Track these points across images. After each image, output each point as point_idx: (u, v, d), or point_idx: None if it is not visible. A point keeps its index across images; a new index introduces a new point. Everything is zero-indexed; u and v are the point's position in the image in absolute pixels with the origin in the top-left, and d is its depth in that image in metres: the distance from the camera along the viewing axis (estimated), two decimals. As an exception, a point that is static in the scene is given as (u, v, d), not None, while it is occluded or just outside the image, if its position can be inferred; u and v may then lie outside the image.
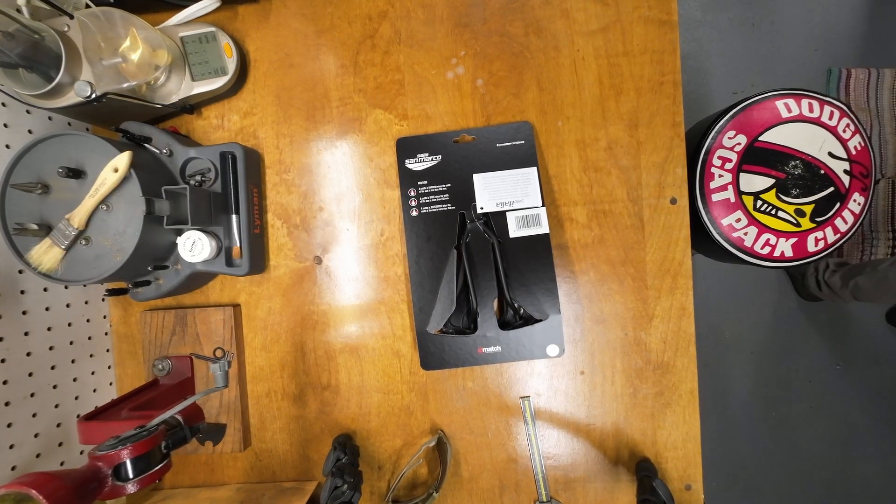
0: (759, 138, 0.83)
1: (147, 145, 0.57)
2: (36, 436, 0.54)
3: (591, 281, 0.62)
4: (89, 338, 0.63)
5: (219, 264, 0.59)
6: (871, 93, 1.51)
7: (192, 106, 0.63)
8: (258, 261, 0.62)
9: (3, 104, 0.53)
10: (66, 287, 0.60)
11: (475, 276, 0.59)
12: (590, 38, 0.61)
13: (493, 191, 0.60)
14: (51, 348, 0.57)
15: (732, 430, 1.52)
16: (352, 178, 0.64)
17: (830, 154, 0.82)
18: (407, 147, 0.62)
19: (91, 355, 0.63)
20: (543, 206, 0.60)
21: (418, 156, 0.61)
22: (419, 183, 0.61)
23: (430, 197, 0.60)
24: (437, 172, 0.61)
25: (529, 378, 0.63)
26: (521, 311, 0.59)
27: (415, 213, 0.60)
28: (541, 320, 0.57)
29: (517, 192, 0.60)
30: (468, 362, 0.59)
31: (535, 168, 0.60)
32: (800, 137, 0.82)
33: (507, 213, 0.59)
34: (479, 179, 0.60)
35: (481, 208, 0.60)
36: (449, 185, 0.61)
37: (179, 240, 0.56)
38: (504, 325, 0.59)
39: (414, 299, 0.60)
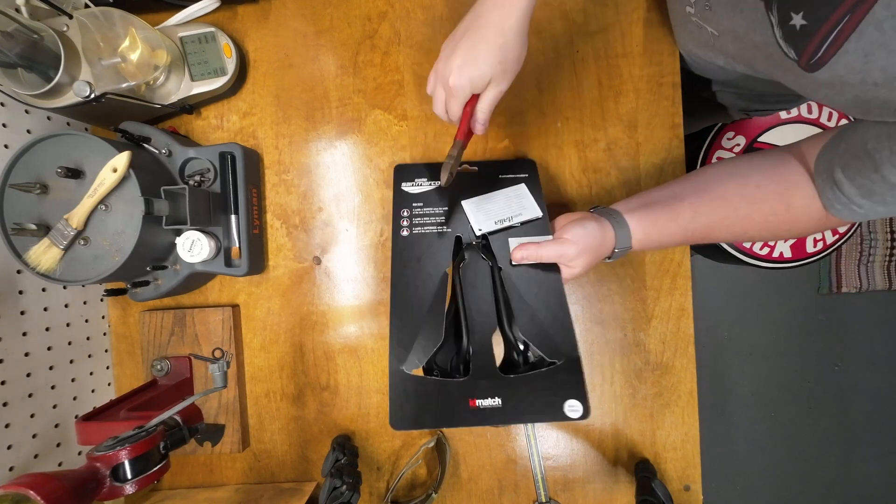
0: (758, 139, 0.83)
1: (146, 145, 0.57)
2: (34, 436, 0.54)
3: (590, 282, 0.62)
4: (88, 338, 0.63)
5: (218, 264, 0.59)
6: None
7: (191, 106, 0.63)
8: (257, 261, 0.62)
9: (2, 104, 0.53)
10: (64, 287, 0.59)
11: (469, 306, 0.48)
12: (589, 39, 0.61)
13: (486, 211, 0.54)
14: (49, 349, 0.57)
15: (731, 431, 1.52)
16: (351, 179, 0.64)
17: (829, 155, 0.82)
18: (405, 172, 0.59)
19: (89, 356, 0.63)
20: (545, 213, 0.54)
21: (416, 180, 0.58)
22: (414, 204, 0.56)
23: (425, 218, 0.55)
24: (434, 196, 0.56)
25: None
26: (529, 351, 0.47)
27: (405, 232, 0.53)
28: (554, 363, 0.44)
29: (512, 207, 0.54)
30: (455, 420, 0.42)
31: (523, 185, 0.56)
32: (799, 138, 0.83)
33: (510, 239, 0.51)
34: (468, 205, 0.54)
35: (479, 229, 0.52)
36: (446, 208, 0.55)
37: (178, 240, 0.56)
38: (507, 369, 0.46)
39: (392, 330, 0.47)
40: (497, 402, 0.42)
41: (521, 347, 0.47)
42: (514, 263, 0.48)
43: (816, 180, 0.43)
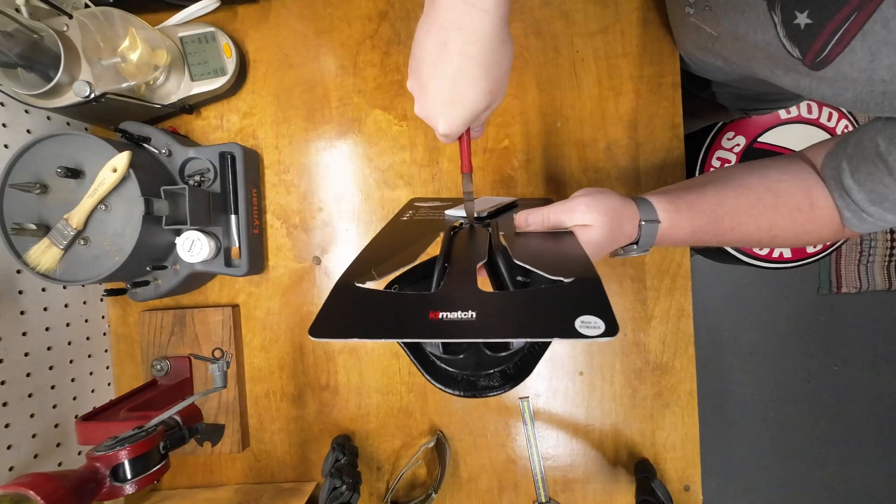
0: (759, 139, 0.83)
1: (146, 145, 0.57)
2: (34, 436, 0.54)
3: (591, 282, 0.62)
4: (87, 338, 0.63)
5: (217, 264, 0.59)
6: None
7: (191, 106, 0.63)
8: (257, 261, 0.62)
9: (2, 104, 0.53)
10: (64, 287, 0.59)
11: (455, 249, 0.38)
12: (589, 40, 0.61)
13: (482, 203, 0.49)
14: (49, 349, 0.57)
15: (731, 431, 1.52)
16: (351, 179, 0.64)
17: (829, 155, 0.83)
18: (420, 199, 0.56)
19: (89, 356, 0.63)
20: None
21: (428, 202, 0.54)
22: (420, 205, 0.53)
23: (428, 211, 0.50)
24: (443, 207, 0.51)
25: (528, 378, 0.62)
26: (530, 278, 0.37)
27: (405, 218, 0.49)
28: (560, 281, 0.31)
29: (495, 199, 0.52)
30: (402, 331, 0.28)
31: (513, 199, 0.52)
32: (799, 138, 0.83)
33: (514, 214, 0.44)
34: (452, 211, 0.48)
35: (482, 211, 0.47)
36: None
37: (178, 240, 0.56)
38: (499, 287, 0.37)
39: (358, 255, 0.37)
40: (469, 314, 0.28)
41: (520, 279, 0.36)
42: (517, 232, 0.41)
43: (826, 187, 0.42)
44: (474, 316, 0.28)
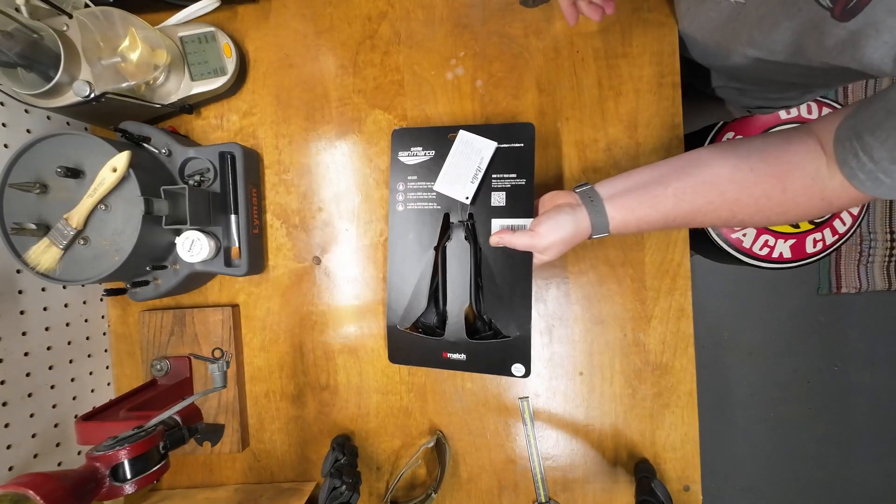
0: (758, 139, 0.83)
1: (146, 145, 0.57)
2: (33, 436, 0.54)
3: (590, 282, 0.62)
4: (87, 338, 0.63)
5: (217, 264, 0.59)
6: (870, 95, 1.52)
7: (191, 106, 0.63)
8: (257, 261, 0.62)
9: (2, 103, 0.53)
10: (64, 287, 0.59)
11: (449, 281, 0.58)
12: (589, 40, 0.61)
13: (456, 178, 0.56)
14: (49, 348, 0.57)
15: (731, 431, 1.52)
16: (351, 179, 0.64)
17: (829, 155, 0.82)
18: (402, 139, 0.59)
19: (89, 355, 0.63)
20: (531, 182, 0.55)
21: (412, 149, 0.58)
22: (409, 178, 0.58)
23: (418, 193, 0.58)
24: (427, 168, 0.58)
25: (528, 379, 0.63)
26: (490, 323, 0.57)
27: (401, 207, 0.58)
28: (507, 337, 0.55)
29: (471, 158, 0.55)
30: (433, 364, 0.59)
31: (460, 131, 0.56)
32: (798, 139, 0.82)
33: (493, 220, 0.56)
34: (441, 186, 0.56)
35: (466, 197, 0.55)
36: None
37: (178, 240, 0.56)
38: (471, 333, 0.57)
39: (389, 291, 0.59)
40: (462, 356, 0.57)
41: (486, 319, 0.58)
42: (491, 245, 0.55)
43: (837, 149, 0.41)
44: (465, 357, 0.58)
